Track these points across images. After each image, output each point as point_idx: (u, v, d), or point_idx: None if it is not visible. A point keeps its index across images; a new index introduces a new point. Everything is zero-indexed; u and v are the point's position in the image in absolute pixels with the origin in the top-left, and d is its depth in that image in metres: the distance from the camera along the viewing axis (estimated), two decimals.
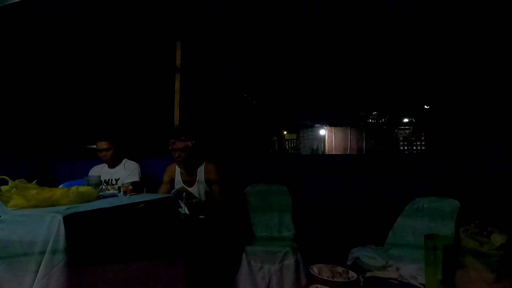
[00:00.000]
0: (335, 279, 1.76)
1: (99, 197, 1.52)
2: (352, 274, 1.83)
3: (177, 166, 2.32)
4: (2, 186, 1.25)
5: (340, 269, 1.88)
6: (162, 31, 3.87)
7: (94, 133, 2.64)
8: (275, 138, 15.67)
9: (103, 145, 2.46)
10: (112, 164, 2.53)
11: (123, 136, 2.59)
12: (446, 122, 12.82)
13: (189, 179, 2.29)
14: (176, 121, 3.40)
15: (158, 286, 1.47)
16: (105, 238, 1.20)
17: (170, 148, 2.26)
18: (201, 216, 2.22)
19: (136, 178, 2.43)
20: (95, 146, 2.51)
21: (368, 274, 1.91)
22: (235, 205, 2.63)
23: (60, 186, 2.03)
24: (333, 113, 14.89)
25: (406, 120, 15.70)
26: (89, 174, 2.55)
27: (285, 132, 16.28)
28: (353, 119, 15.64)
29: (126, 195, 1.67)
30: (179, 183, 2.29)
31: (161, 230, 1.53)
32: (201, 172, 2.28)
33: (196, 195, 2.22)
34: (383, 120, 16.10)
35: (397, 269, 1.92)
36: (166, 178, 2.38)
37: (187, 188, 2.21)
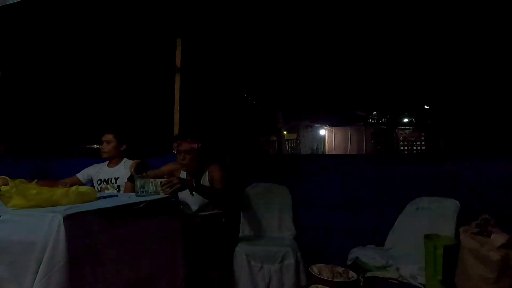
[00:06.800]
0: (335, 279, 1.76)
1: (99, 197, 1.52)
2: (352, 274, 1.83)
3: (182, 169, 2.29)
4: (2, 186, 1.25)
5: (340, 269, 1.87)
6: (162, 31, 3.87)
7: (94, 133, 2.65)
8: (275, 138, 15.65)
9: (107, 136, 2.48)
10: (111, 161, 2.53)
11: (125, 134, 2.58)
12: (446, 122, 12.83)
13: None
14: (176, 122, 3.39)
15: (158, 287, 1.47)
16: (105, 238, 1.20)
17: (175, 150, 2.22)
18: (204, 213, 2.22)
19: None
20: (95, 146, 2.51)
21: (368, 274, 1.91)
22: (235, 205, 2.63)
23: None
24: (333, 113, 14.89)
25: (406, 120, 15.71)
26: (89, 170, 2.56)
27: (285, 132, 16.25)
28: (353, 119, 15.64)
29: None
30: None
31: (161, 230, 1.53)
32: (205, 175, 2.27)
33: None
34: (383, 120, 16.11)
35: (397, 269, 1.92)
36: (165, 169, 2.31)
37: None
